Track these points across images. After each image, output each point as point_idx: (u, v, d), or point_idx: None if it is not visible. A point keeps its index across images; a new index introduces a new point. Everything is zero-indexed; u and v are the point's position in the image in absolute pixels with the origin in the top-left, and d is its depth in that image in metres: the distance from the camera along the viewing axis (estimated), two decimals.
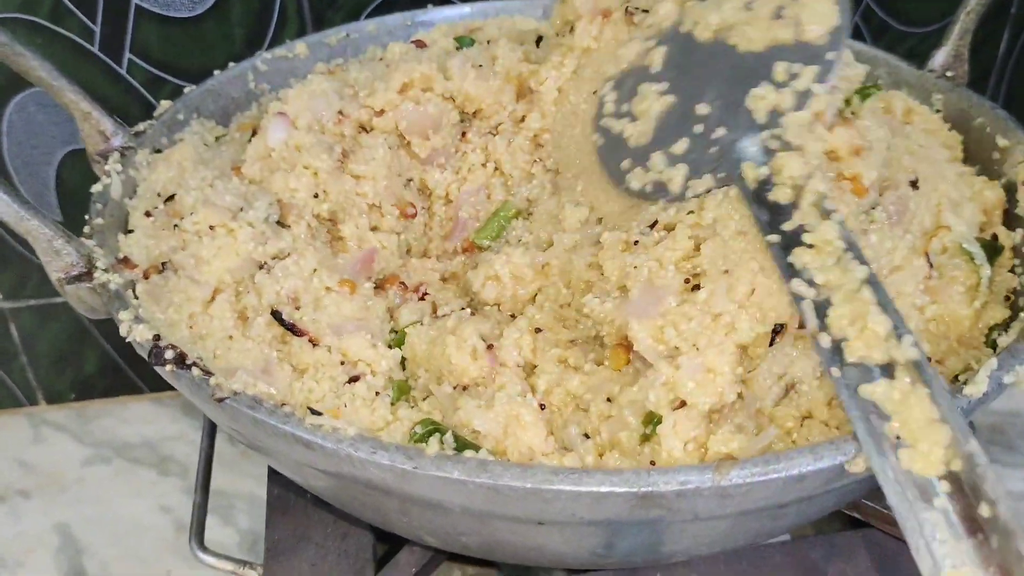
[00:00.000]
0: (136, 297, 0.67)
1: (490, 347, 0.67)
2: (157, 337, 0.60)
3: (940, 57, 0.93)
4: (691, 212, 0.67)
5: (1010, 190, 0.80)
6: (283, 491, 0.84)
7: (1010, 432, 1.20)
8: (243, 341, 0.67)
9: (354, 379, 0.66)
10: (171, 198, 0.75)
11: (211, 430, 0.94)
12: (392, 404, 0.66)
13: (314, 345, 0.67)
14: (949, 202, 0.75)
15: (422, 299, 0.76)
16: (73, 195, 1.16)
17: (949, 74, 0.92)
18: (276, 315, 0.67)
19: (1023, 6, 1.22)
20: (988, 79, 1.28)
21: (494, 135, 0.84)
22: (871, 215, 0.70)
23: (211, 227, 0.71)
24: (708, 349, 0.60)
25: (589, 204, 0.76)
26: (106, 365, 1.29)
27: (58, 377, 1.29)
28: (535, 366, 0.67)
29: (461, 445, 0.60)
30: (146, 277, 0.69)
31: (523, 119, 0.83)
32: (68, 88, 0.77)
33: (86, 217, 0.72)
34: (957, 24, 0.92)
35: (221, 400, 0.56)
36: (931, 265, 0.71)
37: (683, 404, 0.59)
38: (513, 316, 0.72)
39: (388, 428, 0.63)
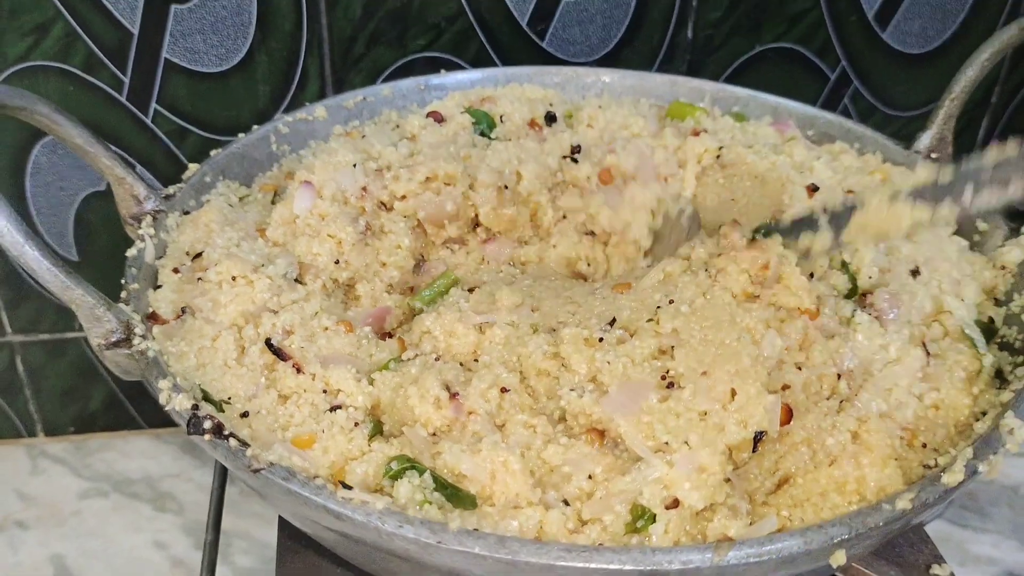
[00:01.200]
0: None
1: (454, 395, 0.70)
2: (195, 407, 0.64)
3: (926, 139, 0.99)
4: (650, 320, 0.72)
5: None
6: (294, 532, 0.87)
7: (981, 498, 1.25)
8: (238, 369, 0.72)
9: (335, 408, 0.70)
10: (199, 255, 0.80)
11: (223, 470, 0.97)
12: (369, 438, 0.69)
13: (298, 371, 0.71)
14: (950, 282, 0.81)
15: (390, 336, 0.80)
16: (90, 236, 1.20)
17: (934, 156, 0.98)
18: (267, 342, 0.73)
19: (1003, 95, 1.30)
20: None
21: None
22: (851, 321, 0.76)
23: (233, 277, 0.76)
24: (700, 448, 0.64)
25: (529, 294, 0.81)
26: (111, 402, 1.32)
27: (61, 411, 1.32)
28: (503, 424, 0.70)
29: (440, 485, 0.64)
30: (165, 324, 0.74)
31: None
32: (104, 155, 0.81)
33: (122, 281, 0.76)
34: (942, 109, 0.98)
35: (257, 471, 0.60)
36: (928, 353, 0.75)
37: (677, 503, 0.63)
38: (462, 364, 0.75)
39: (363, 458, 0.66)
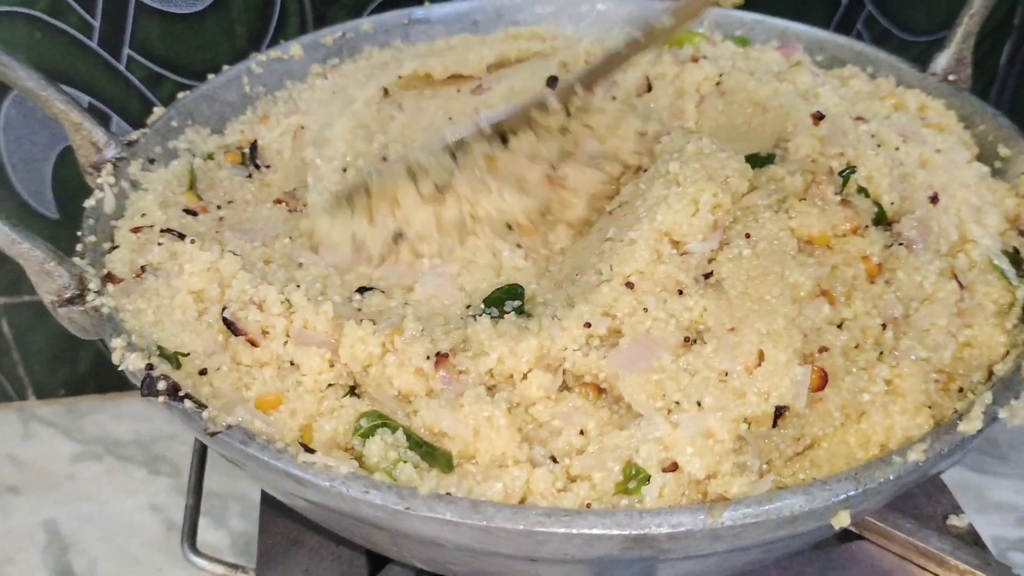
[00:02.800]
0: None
1: (443, 357, 0.63)
2: (150, 367, 0.59)
3: (943, 60, 0.92)
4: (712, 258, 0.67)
5: None
6: (274, 499, 0.83)
7: (1002, 443, 1.20)
8: (197, 325, 0.66)
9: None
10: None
11: None
12: (341, 397, 0.63)
13: (254, 346, 0.65)
14: (970, 209, 0.74)
15: None
16: (70, 191, 1.15)
17: (951, 78, 0.91)
18: (223, 310, 0.66)
19: None
20: (991, 89, 1.27)
21: None
22: (893, 254, 0.69)
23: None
24: (713, 411, 0.58)
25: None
26: (100, 363, 1.28)
27: (51, 374, 1.28)
28: (494, 386, 0.64)
29: (414, 443, 0.59)
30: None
31: None
32: (57, 98, 0.76)
33: (78, 234, 0.71)
34: (960, 27, 0.91)
35: (214, 435, 0.56)
36: (962, 286, 0.69)
37: (675, 467, 0.57)
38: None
39: (332, 415, 0.61)
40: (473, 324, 0.65)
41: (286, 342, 0.65)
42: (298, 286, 0.68)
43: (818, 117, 0.79)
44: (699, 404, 0.59)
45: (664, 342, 0.62)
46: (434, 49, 1.01)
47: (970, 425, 0.57)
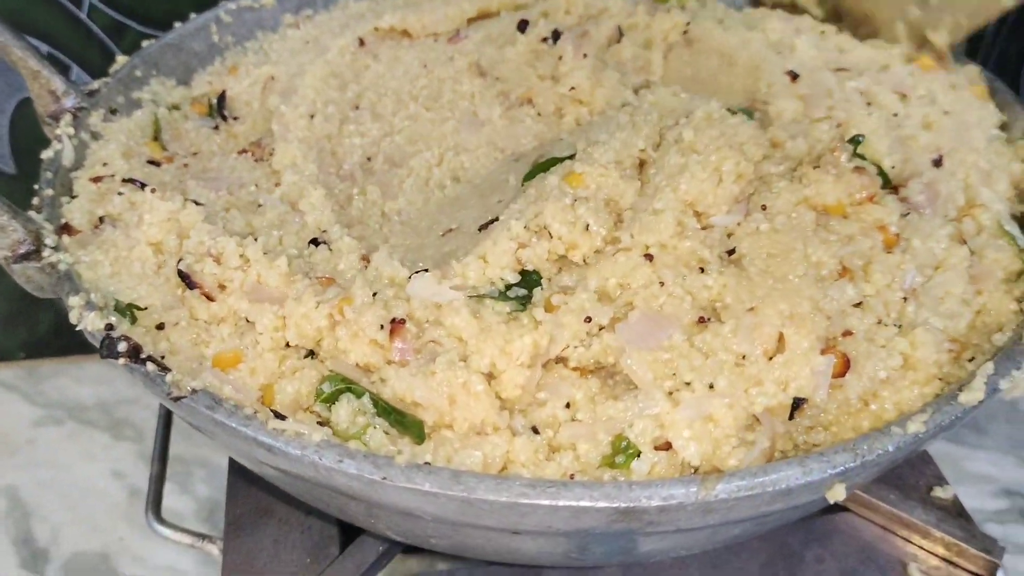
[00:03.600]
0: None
1: (399, 323, 0.59)
2: (110, 327, 0.56)
3: None
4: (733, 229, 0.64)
5: None
6: (242, 468, 0.81)
7: (980, 415, 1.19)
8: (155, 278, 0.63)
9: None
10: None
11: None
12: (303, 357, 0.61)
13: (210, 300, 0.62)
14: (979, 173, 0.72)
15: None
16: (27, 144, 1.10)
17: None
18: (179, 262, 0.63)
19: None
20: (974, 60, 1.25)
21: None
22: (909, 223, 0.67)
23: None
24: (723, 395, 0.55)
25: None
26: (60, 324, 1.24)
27: (10, 336, 1.24)
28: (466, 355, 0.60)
29: (382, 409, 0.56)
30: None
31: None
32: (14, 44, 0.72)
33: (35, 187, 0.67)
34: None
35: (178, 399, 0.52)
36: (972, 252, 0.66)
37: (668, 446, 0.54)
38: None
39: (294, 376, 0.58)
40: (451, 315, 0.60)
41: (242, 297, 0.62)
42: (256, 238, 0.65)
43: (793, 76, 0.76)
44: (711, 386, 0.56)
45: (677, 320, 0.60)
46: (412, 1, 0.97)
47: (972, 396, 0.55)
